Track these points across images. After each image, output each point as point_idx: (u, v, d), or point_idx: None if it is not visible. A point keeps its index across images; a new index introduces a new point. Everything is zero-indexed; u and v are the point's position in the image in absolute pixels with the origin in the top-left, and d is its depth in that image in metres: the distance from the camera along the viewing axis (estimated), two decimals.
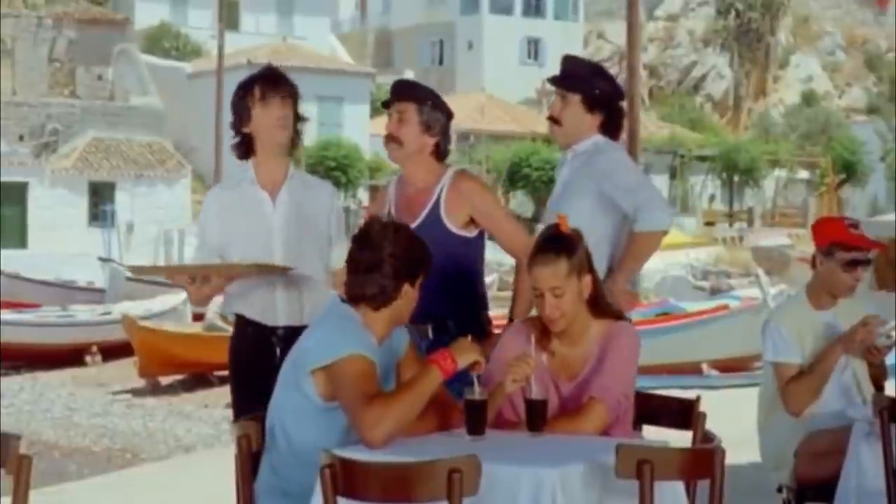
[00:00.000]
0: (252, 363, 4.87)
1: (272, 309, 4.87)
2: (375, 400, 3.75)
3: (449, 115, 5.03)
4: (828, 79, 69.72)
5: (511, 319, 4.90)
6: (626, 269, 4.95)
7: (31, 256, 34.54)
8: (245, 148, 4.93)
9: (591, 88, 5.05)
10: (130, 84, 45.13)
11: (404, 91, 5.01)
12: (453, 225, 4.89)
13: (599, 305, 4.18)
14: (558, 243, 4.12)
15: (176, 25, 53.10)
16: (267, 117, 4.83)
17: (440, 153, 4.99)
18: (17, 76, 44.28)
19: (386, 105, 5.04)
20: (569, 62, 5.21)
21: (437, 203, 4.91)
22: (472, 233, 4.94)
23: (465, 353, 3.88)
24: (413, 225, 4.51)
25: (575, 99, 5.05)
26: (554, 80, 5.16)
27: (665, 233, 4.97)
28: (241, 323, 4.94)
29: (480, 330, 4.83)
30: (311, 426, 3.91)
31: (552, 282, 4.07)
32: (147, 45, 49.68)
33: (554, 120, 5.14)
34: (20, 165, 39.68)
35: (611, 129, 5.11)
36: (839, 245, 5.14)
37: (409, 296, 4.02)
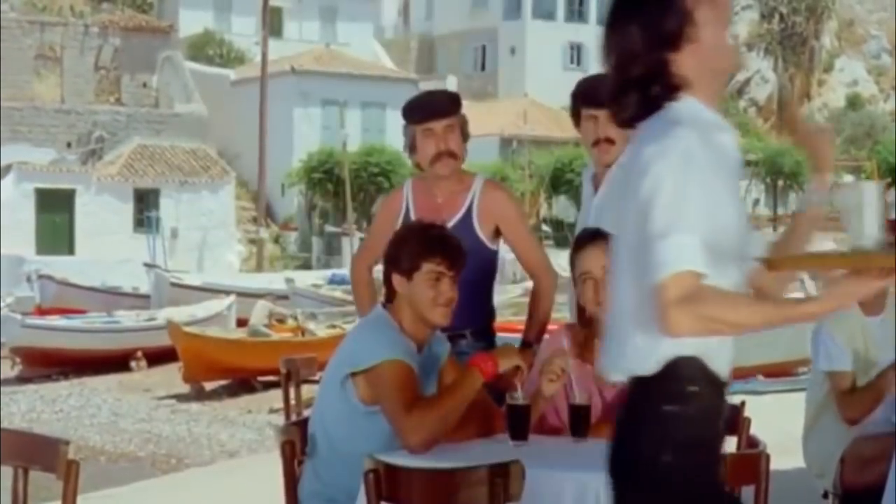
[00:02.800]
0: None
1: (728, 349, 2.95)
2: (416, 405, 3.76)
3: None
4: (873, 82, 69.19)
5: (525, 342, 4.81)
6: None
7: (78, 262, 34.82)
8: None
9: None
10: (175, 91, 45.43)
11: (445, 106, 4.89)
12: (484, 235, 4.85)
13: None
14: (601, 233, 4.16)
15: (220, 33, 53.37)
16: None
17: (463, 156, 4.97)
18: (65, 84, 44.69)
19: (418, 123, 4.87)
20: (594, 81, 4.89)
21: (469, 211, 4.87)
22: (496, 245, 4.89)
23: (506, 358, 3.88)
24: None
25: None
26: (597, 104, 4.73)
27: None
28: (696, 374, 2.81)
29: (490, 342, 4.80)
30: (353, 430, 3.92)
31: (605, 261, 4.07)
32: (191, 53, 49.97)
33: (611, 142, 4.87)
34: (68, 172, 40.03)
35: None
36: None
37: (407, 289, 3.95)
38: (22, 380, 23.03)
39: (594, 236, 4.20)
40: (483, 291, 4.86)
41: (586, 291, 4.13)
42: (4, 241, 34.68)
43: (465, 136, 4.90)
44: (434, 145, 4.84)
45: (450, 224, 4.74)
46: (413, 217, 4.89)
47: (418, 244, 3.97)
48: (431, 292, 3.96)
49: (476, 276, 4.63)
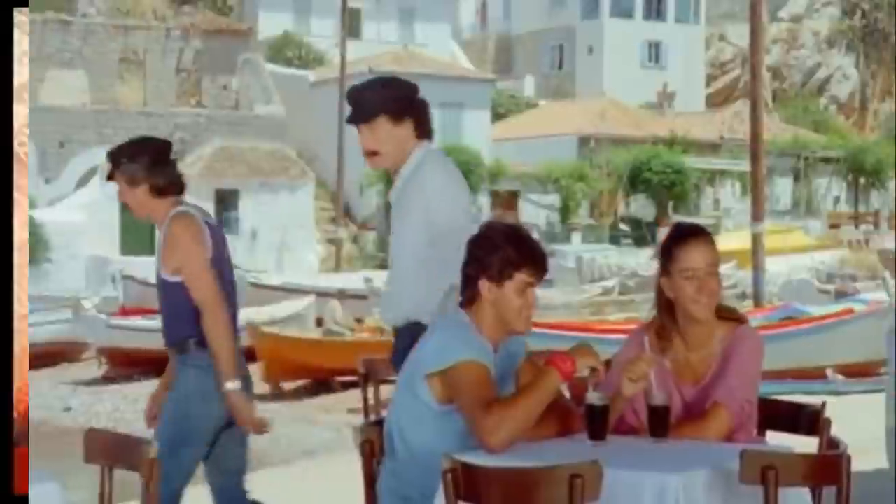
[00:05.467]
0: None
1: None
2: (494, 405, 3.75)
3: None
4: None
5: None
6: None
7: None
8: None
9: (390, 102, 4.78)
10: (255, 93, 45.77)
11: None
12: None
13: (720, 307, 4.15)
14: (702, 228, 4.17)
15: (299, 35, 53.72)
16: None
17: None
18: (147, 87, 45.22)
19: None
20: (354, 93, 4.90)
21: None
22: None
23: (584, 357, 3.87)
24: None
25: (381, 121, 4.77)
26: (354, 121, 4.84)
27: None
28: None
29: None
30: (428, 430, 3.92)
31: (712, 257, 4.05)
32: (271, 55, 50.32)
33: (373, 153, 4.84)
34: None
35: (423, 128, 4.87)
36: None
37: (495, 294, 3.93)
38: (106, 379, 23.36)
39: (696, 231, 4.13)
40: None
41: (685, 287, 4.04)
42: (90, 243, 35.12)
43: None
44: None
45: None
46: None
47: (515, 253, 3.94)
48: (520, 301, 3.94)
49: None
